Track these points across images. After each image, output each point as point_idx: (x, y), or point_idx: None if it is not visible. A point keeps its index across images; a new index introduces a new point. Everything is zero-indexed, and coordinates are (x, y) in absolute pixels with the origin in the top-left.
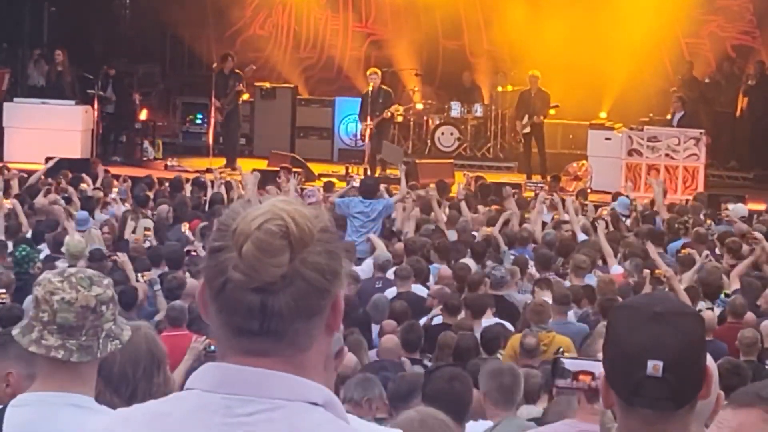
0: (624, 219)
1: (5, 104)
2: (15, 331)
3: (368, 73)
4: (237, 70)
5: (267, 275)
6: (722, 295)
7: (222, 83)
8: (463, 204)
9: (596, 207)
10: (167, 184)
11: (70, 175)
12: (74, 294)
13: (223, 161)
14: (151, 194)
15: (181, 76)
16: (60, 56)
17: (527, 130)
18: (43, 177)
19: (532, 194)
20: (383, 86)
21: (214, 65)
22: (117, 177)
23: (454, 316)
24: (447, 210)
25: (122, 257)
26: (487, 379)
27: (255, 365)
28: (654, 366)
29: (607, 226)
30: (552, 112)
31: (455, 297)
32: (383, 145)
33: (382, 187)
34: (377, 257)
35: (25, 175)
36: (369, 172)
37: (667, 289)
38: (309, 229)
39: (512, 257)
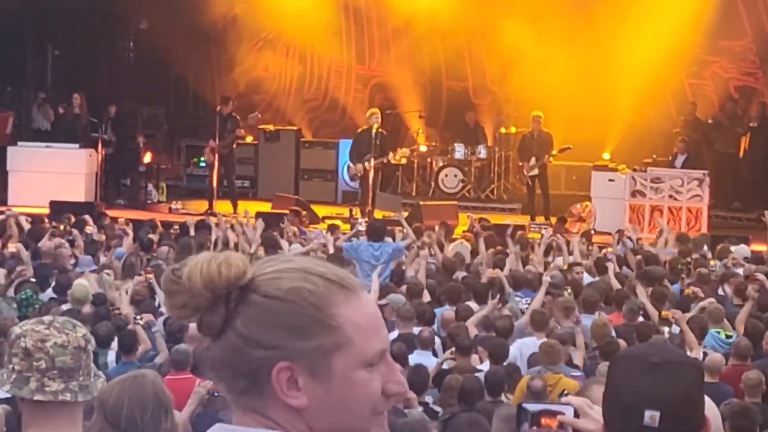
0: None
1: (9, 148)
2: (5, 388)
3: (368, 113)
4: (234, 114)
5: None
6: (723, 336)
7: (221, 126)
8: (481, 243)
9: (600, 248)
10: (176, 227)
11: (73, 219)
12: (65, 337)
13: (225, 204)
14: (155, 237)
15: (185, 118)
16: (77, 99)
17: (535, 172)
18: (47, 220)
19: (537, 235)
20: (381, 129)
21: (218, 108)
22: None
23: (467, 357)
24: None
25: (147, 317)
26: (502, 424)
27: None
28: (651, 416)
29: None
30: (555, 152)
31: (466, 338)
32: (377, 197)
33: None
34: (392, 299)
35: (29, 218)
36: (370, 214)
37: (674, 330)
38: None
39: (517, 299)
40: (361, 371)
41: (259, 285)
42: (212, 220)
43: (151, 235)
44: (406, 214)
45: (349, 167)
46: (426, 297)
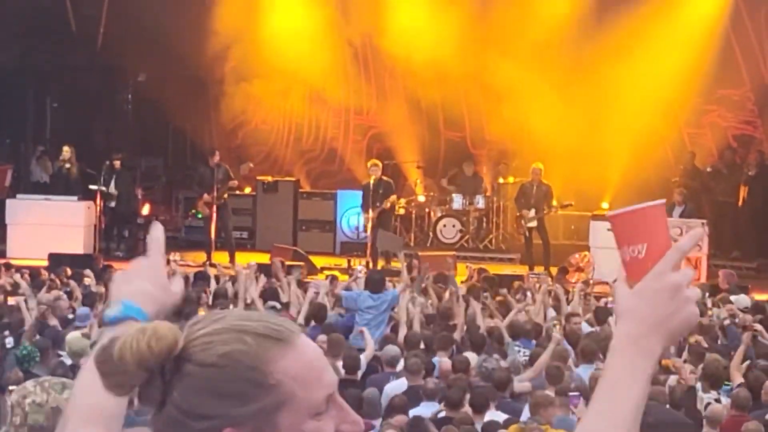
0: None
1: (8, 201)
2: None
3: (369, 165)
4: (223, 164)
5: None
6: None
7: (212, 177)
8: (472, 301)
9: (598, 298)
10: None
11: (70, 271)
12: (45, 396)
13: (223, 255)
14: None
15: (183, 170)
16: (68, 153)
17: (533, 224)
18: (45, 272)
19: (535, 286)
20: (384, 177)
21: (208, 160)
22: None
23: (457, 410)
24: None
25: None
26: None
27: None
28: None
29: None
30: (555, 204)
31: (458, 391)
32: (379, 235)
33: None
34: (386, 352)
35: (27, 272)
36: (372, 265)
37: (676, 379)
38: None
39: (516, 349)
40: (310, 422)
41: (192, 353)
42: (211, 271)
43: None
44: (405, 263)
45: (363, 218)
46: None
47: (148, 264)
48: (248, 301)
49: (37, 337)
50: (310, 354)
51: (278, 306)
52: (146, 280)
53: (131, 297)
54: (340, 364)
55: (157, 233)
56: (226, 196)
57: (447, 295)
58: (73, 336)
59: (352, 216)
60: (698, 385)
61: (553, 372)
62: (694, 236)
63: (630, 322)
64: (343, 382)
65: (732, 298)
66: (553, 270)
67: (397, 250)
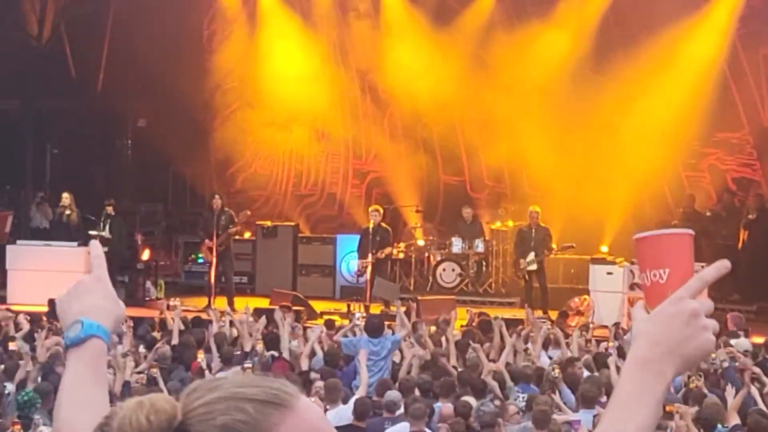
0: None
1: (8, 247)
2: None
3: (370, 209)
4: (227, 209)
5: None
6: (719, 426)
7: (210, 223)
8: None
9: (599, 342)
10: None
11: None
12: None
13: (223, 300)
14: (157, 335)
15: (183, 215)
16: (67, 199)
17: (533, 267)
18: (45, 318)
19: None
20: (382, 224)
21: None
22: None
23: None
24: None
25: None
26: None
27: None
28: None
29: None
30: (555, 247)
31: None
32: (376, 282)
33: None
34: (386, 396)
35: (28, 317)
36: (369, 310)
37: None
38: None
39: (518, 393)
40: None
41: (191, 425)
42: (210, 315)
43: (152, 333)
44: (403, 309)
45: (358, 264)
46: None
47: (94, 279)
48: (247, 349)
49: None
50: (311, 416)
51: (276, 354)
52: (96, 295)
53: (85, 314)
54: (338, 409)
55: (96, 251)
56: (231, 241)
57: (443, 340)
58: None
59: (351, 260)
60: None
61: (539, 416)
62: (720, 267)
63: (643, 344)
64: (348, 428)
65: (732, 341)
66: (553, 314)
67: (393, 299)
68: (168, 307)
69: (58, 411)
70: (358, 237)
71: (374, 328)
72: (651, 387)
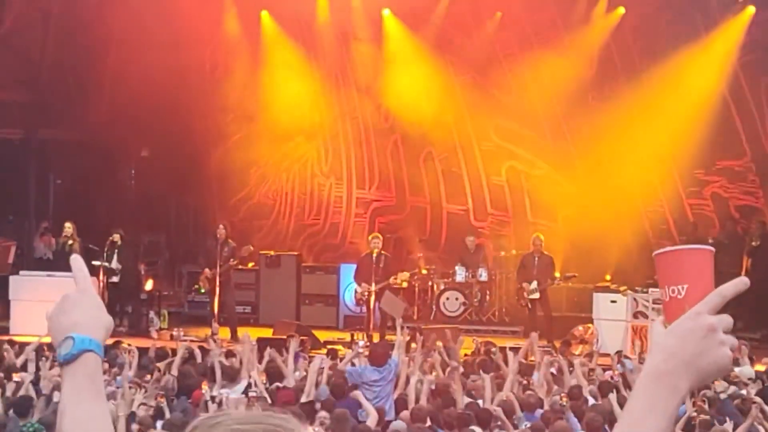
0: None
1: (11, 277)
2: None
3: (370, 237)
4: (230, 240)
5: None
6: None
7: (213, 252)
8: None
9: (603, 370)
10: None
11: None
12: None
13: (226, 330)
14: (161, 365)
15: (186, 245)
16: (69, 229)
17: (536, 295)
18: (47, 349)
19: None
20: (383, 252)
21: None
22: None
23: None
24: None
25: None
26: None
27: None
28: None
29: (618, 390)
30: (559, 275)
31: None
32: (384, 296)
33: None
34: (392, 426)
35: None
36: (371, 339)
37: None
38: None
39: (526, 424)
40: None
41: None
42: (212, 345)
43: (157, 363)
44: (406, 335)
45: (355, 291)
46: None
47: (79, 292)
48: (251, 380)
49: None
50: None
51: (279, 386)
52: (83, 308)
53: (75, 329)
54: None
55: (78, 264)
56: (231, 271)
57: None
58: None
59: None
60: None
61: None
62: (739, 284)
63: (659, 357)
64: None
65: (736, 369)
66: (557, 342)
67: (397, 315)
68: (171, 337)
69: (60, 429)
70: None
71: (378, 357)
72: (663, 400)
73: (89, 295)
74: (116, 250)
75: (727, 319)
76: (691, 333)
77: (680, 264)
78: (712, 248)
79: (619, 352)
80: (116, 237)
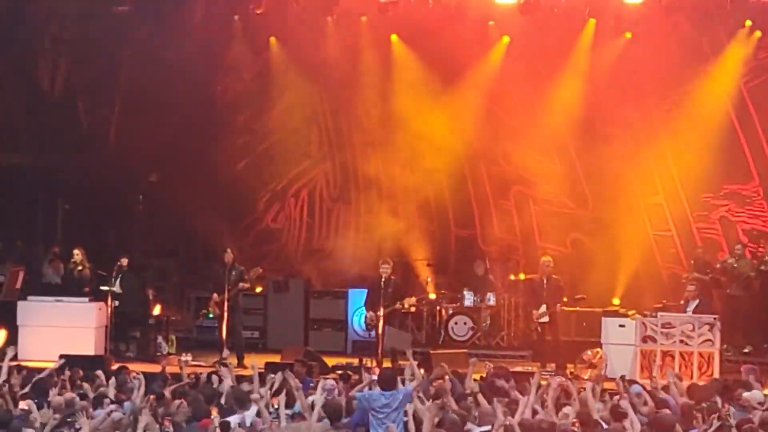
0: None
1: (19, 303)
2: None
3: (380, 263)
4: (237, 264)
5: None
6: None
7: (222, 277)
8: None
9: (612, 395)
10: (191, 377)
11: (81, 372)
12: None
13: (233, 356)
14: (167, 392)
15: (195, 270)
16: (78, 255)
17: (545, 319)
18: (55, 374)
19: (546, 383)
20: (393, 277)
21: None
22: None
23: None
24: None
25: None
26: None
27: None
28: None
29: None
30: (566, 300)
31: None
32: (388, 332)
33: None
34: None
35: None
36: (381, 364)
37: None
38: None
39: None
40: None
41: None
42: (222, 371)
43: (165, 389)
44: (416, 363)
45: (365, 317)
46: None
47: None
48: (265, 405)
49: None
50: None
51: (289, 413)
52: None
53: None
54: None
55: None
56: (239, 296)
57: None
58: None
59: (363, 315)
60: None
61: None
62: None
63: None
64: None
65: (746, 394)
66: (567, 367)
67: (405, 347)
68: (179, 363)
69: None
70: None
71: (387, 381)
72: None
73: None
74: (120, 275)
75: None
76: None
77: None
78: None
79: (622, 377)
80: (123, 262)
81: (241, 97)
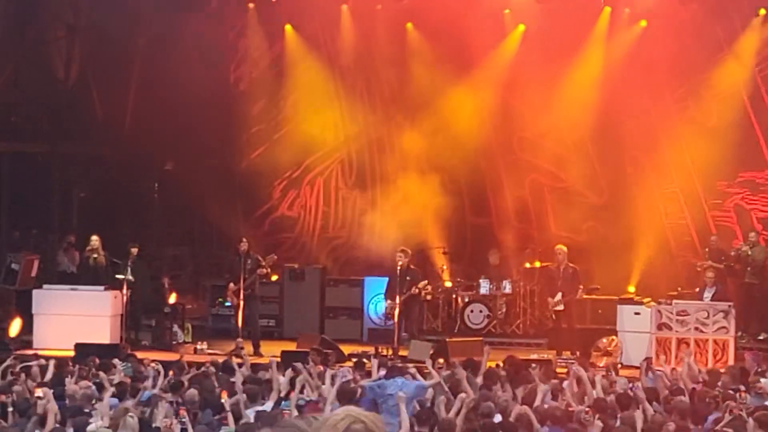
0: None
1: (35, 291)
2: None
3: (396, 251)
4: (252, 252)
5: None
6: None
7: (237, 266)
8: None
9: (630, 381)
10: (208, 365)
11: (98, 361)
12: None
13: (249, 344)
14: (184, 379)
15: (210, 258)
16: (95, 242)
17: (560, 307)
18: (71, 363)
19: (563, 370)
20: (411, 265)
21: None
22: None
23: None
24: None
25: None
26: None
27: None
28: None
29: (638, 403)
30: (581, 289)
31: None
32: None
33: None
34: None
35: (44, 361)
36: (397, 352)
37: None
38: (380, 429)
39: None
40: None
41: None
42: (237, 360)
43: (182, 378)
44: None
45: (385, 306)
46: None
47: None
48: (282, 395)
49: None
50: None
51: (304, 401)
52: None
53: None
54: None
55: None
56: (256, 285)
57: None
58: (95, 426)
59: (379, 303)
60: None
61: None
62: None
63: None
64: None
65: (762, 381)
66: (582, 354)
67: (425, 357)
68: (195, 351)
69: None
70: (385, 279)
71: (395, 367)
72: None
73: None
74: (131, 264)
75: None
76: None
77: None
78: None
79: (647, 359)
80: (133, 250)
81: (257, 85)
